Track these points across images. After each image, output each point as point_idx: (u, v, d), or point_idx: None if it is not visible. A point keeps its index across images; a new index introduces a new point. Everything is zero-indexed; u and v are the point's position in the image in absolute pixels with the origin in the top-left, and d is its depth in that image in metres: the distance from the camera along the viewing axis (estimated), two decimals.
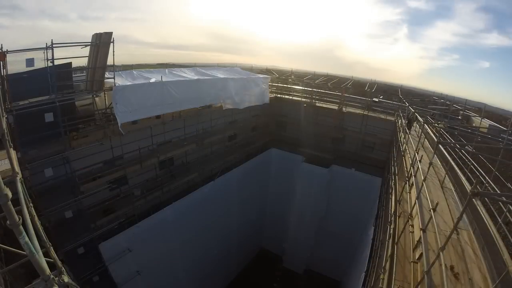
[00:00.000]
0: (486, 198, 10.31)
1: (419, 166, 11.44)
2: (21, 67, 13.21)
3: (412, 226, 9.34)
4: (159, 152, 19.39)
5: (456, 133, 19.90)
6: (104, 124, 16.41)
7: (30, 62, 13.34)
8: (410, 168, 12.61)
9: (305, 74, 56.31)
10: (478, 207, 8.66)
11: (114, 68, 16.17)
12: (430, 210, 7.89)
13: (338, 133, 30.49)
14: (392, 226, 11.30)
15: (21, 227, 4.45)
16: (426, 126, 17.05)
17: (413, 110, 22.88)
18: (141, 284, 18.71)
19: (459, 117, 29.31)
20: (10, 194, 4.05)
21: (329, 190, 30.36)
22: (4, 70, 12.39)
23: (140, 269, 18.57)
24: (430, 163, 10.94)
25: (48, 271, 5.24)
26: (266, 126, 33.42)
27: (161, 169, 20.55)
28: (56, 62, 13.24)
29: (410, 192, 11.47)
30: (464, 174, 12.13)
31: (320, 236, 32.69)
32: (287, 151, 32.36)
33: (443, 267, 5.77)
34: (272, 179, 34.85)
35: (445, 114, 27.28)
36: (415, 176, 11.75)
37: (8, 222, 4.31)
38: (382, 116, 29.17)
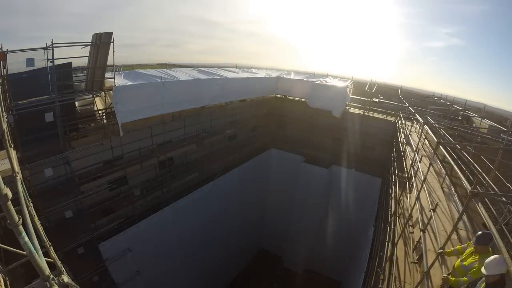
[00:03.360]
0: (486, 199, 10.33)
1: (419, 167, 11.44)
2: (22, 67, 13.21)
3: (412, 226, 9.36)
4: (159, 152, 19.40)
5: (456, 133, 19.91)
6: (104, 124, 16.42)
7: (30, 62, 13.35)
8: (410, 169, 12.62)
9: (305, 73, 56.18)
10: (478, 208, 8.66)
11: (114, 68, 16.19)
12: (430, 211, 7.90)
13: (338, 133, 30.47)
14: (392, 227, 11.30)
15: (21, 227, 4.45)
16: (426, 126, 17.04)
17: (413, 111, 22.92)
18: (141, 284, 18.71)
19: (459, 118, 29.31)
20: (10, 194, 4.05)
21: (329, 190, 30.43)
22: (4, 69, 12.40)
23: (140, 269, 18.57)
24: (430, 164, 10.94)
25: (48, 271, 5.23)
26: (266, 126, 33.39)
27: (161, 169, 20.55)
28: (56, 62, 13.26)
29: (410, 193, 11.48)
30: (464, 174, 12.13)
31: (320, 236, 32.70)
32: (287, 151, 32.25)
33: (443, 268, 5.78)
34: (272, 179, 34.75)
35: (444, 115, 27.28)
36: (415, 176, 11.75)
37: (8, 222, 4.30)
38: (382, 117, 29.23)
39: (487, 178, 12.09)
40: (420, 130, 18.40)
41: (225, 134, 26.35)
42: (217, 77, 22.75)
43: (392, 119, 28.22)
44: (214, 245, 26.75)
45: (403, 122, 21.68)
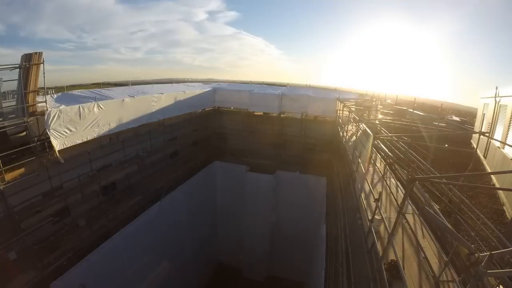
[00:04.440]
0: (427, 183, 10.82)
1: (359, 161, 11.78)
2: None
3: (361, 218, 9.53)
4: (99, 178, 18.42)
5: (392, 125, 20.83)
6: (39, 153, 15.17)
7: None
8: (352, 164, 12.97)
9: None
10: (417, 191, 9.04)
11: (45, 91, 15.18)
12: (374, 201, 8.10)
13: (279, 139, 31.19)
14: (342, 221, 11.52)
15: None
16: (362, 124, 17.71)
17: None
18: None
19: (392, 111, 30.88)
20: None
21: (276, 195, 31.01)
22: None
23: None
24: (370, 157, 11.32)
25: None
26: (207, 140, 33.34)
27: (104, 195, 19.45)
28: None
29: (354, 187, 11.74)
30: (404, 162, 12.67)
31: (275, 241, 33.05)
32: (230, 162, 32.59)
33: (396, 251, 5.89)
34: (218, 192, 34.89)
35: (380, 110, 28.61)
36: (356, 171, 12.08)
37: None
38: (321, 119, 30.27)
39: (426, 164, 12.64)
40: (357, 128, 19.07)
41: (166, 152, 25.86)
42: (150, 95, 22.11)
43: (331, 120, 29.16)
44: (170, 267, 25.73)
45: (342, 122, 22.41)
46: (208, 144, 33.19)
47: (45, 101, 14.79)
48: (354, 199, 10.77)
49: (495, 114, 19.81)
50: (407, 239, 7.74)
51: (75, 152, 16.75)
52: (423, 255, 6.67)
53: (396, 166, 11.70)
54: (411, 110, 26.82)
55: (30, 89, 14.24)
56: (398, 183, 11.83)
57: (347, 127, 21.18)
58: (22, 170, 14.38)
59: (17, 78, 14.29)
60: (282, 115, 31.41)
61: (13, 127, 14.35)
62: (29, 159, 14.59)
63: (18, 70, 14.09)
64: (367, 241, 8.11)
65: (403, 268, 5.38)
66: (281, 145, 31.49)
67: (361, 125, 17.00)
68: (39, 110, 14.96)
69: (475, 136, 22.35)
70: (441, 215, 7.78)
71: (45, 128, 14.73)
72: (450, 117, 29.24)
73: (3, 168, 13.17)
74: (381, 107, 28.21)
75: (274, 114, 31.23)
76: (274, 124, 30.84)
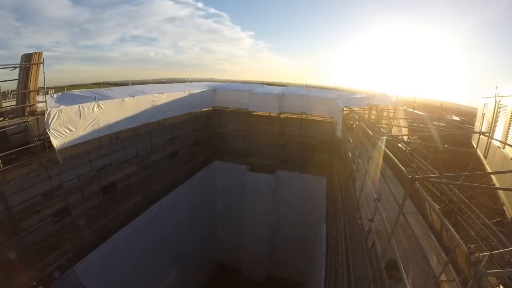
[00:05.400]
0: (426, 182, 10.80)
1: (359, 161, 11.78)
2: None
3: (361, 218, 9.53)
4: (100, 178, 18.41)
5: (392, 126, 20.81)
6: (39, 153, 15.21)
7: None
8: (352, 164, 12.97)
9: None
10: (420, 191, 9.02)
11: (45, 90, 15.20)
12: (374, 201, 8.10)
13: (279, 139, 31.07)
14: (342, 221, 11.50)
15: None
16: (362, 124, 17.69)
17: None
18: None
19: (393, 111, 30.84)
20: None
21: (277, 195, 30.98)
22: None
23: None
24: (369, 157, 11.32)
25: None
26: (207, 139, 33.29)
27: (104, 195, 19.49)
28: None
29: (354, 187, 11.74)
30: (404, 162, 12.66)
31: (275, 241, 33.07)
32: (230, 162, 32.63)
33: (396, 251, 5.89)
34: (219, 192, 34.92)
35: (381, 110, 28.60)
36: (356, 171, 12.07)
37: None
38: (321, 118, 30.20)
39: (426, 164, 12.64)
40: (357, 127, 19.08)
41: (166, 152, 25.81)
42: (151, 95, 22.15)
43: (331, 120, 29.17)
44: (170, 267, 25.78)
45: (342, 122, 22.41)
46: (208, 144, 33.12)
47: (45, 101, 14.80)
48: (354, 199, 10.75)
49: (495, 114, 19.85)
50: (407, 239, 7.74)
51: (75, 152, 16.76)
52: (423, 255, 6.67)
53: (396, 166, 11.66)
54: (411, 110, 26.71)
55: (30, 88, 14.27)
56: (398, 183, 11.83)
57: (347, 126, 21.24)
58: (22, 170, 14.40)
59: (17, 78, 14.34)
60: (282, 115, 31.32)
61: (13, 126, 14.43)
62: (29, 159, 14.67)
63: (18, 69, 14.15)
64: (367, 241, 8.11)
65: (403, 268, 5.36)
66: (281, 145, 31.45)
67: (361, 125, 17.01)
68: (39, 110, 14.99)
69: (475, 136, 22.35)
70: (441, 215, 7.78)
71: (45, 128, 14.73)
72: (450, 117, 29.28)
73: (3, 168, 13.21)
74: (381, 107, 28.20)
75: (274, 114, 31.17)
76: (274, 124, 30.84)
